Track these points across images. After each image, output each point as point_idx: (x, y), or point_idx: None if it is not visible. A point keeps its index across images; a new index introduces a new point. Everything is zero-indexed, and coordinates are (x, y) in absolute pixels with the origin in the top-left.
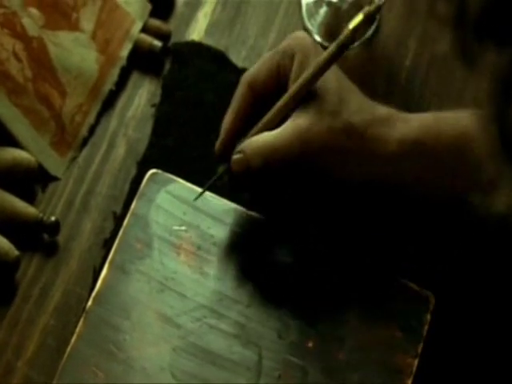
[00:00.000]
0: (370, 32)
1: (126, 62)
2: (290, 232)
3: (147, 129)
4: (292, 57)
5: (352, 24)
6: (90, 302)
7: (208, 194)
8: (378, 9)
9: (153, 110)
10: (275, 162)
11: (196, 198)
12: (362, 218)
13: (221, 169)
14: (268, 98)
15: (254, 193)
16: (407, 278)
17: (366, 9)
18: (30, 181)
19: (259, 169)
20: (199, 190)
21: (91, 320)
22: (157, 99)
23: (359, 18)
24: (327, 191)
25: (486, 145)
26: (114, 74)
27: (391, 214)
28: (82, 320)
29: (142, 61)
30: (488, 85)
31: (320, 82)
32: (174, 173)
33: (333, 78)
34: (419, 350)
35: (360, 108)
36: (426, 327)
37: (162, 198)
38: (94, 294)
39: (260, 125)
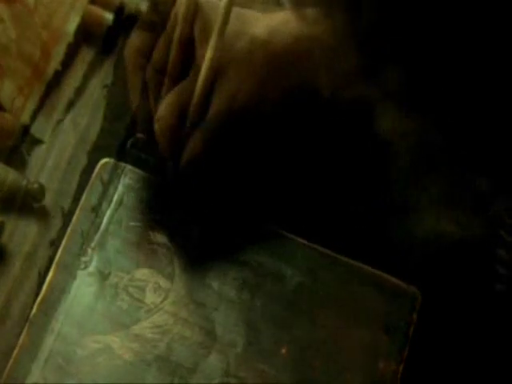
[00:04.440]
0: None
1: (73, 37)
2: (256, 228)
3: (98, 113)
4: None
5: None
6: (34, 310)
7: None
8: None
9: (105, 91)
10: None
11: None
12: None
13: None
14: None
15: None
16: (390, 272)
17: None
18: None
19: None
20: (156, 175)
21: (36, 330)
22: (109, 80)
23: None
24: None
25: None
26: (60, 52)
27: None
28: (25, 330)
29: (91, 36)
30: None
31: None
32: (128, 162)
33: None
34: (405, 355)
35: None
36: (412, 328)
37: (115, 185)
38: (38, 299)
39: (193, 105)
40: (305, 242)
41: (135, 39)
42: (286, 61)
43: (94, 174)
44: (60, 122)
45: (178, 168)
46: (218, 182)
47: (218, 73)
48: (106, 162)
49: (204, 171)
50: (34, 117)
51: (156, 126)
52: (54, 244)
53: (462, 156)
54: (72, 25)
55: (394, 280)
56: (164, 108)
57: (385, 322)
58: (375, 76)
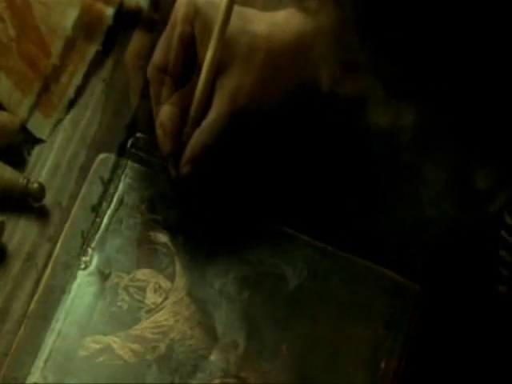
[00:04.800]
0: None
1: (72, 32)
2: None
3: (99, 111)
4: (191, 23)
5: None
6: (32, 306)
7: None
8: None
9: (104, 85)
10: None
11: None
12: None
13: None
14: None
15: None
16: (391, 268)
17: None
18: None
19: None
20: (157, 175)
21: (34, 326)
22: (108, 74)
23: None
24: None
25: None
26: (58, 47)
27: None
28: (23, 326)
29: (89, 31)
30: None
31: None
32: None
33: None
34: (406, 351)
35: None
36: (413, 324)
37: (115, 185)
38: (36, 296)
39: (194, 105)
40: (306, 238)
41: (135, 42)
42: (286, 58)
43: (92, 170)
44: (60, 121)
45: (179, 168)
46: (219, 182)
47: (219, 70)
48: (104, 157)
49: (205, 171)
50: (31, 113)
51: (159, 131)
52: (53, 240)
53: (463, 153)
54: (70, 19)
55: (395, 277)
56: (166, 112)
57: (386, 319)
58: (375, 70)
